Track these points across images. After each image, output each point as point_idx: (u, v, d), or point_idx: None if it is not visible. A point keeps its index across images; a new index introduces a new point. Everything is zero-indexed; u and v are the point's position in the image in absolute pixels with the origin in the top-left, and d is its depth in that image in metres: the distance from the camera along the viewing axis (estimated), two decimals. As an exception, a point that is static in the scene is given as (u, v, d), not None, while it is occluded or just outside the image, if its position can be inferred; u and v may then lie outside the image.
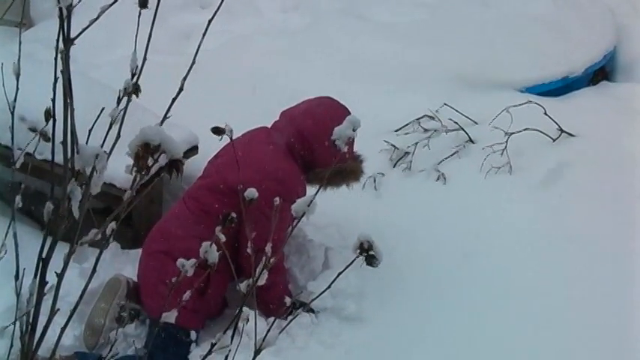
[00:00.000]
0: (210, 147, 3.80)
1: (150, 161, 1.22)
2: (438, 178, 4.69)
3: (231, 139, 1.63)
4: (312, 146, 3.77)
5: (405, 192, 4.70)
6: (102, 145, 1.44)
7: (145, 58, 1.53)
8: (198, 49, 1.62)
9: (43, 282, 1.52)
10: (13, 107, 1.84)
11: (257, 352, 1.58)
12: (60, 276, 1.50)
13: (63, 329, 1.63)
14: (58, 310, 1.55)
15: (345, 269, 1.62)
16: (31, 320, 1.57)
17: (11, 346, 1.73)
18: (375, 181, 4.73)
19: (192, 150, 4.40)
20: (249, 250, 1.62)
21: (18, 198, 1.79)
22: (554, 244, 4.05)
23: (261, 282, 1.56)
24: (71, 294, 2.76)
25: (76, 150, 1.39)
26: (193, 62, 1.59)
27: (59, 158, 1.47)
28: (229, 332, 1.63)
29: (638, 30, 6.86)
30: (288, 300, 3.42)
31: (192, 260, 1.51)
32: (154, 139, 1.20)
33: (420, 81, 5.82)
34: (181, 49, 6.47)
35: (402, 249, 4.01)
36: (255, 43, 6.65)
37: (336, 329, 3.63)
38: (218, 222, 1.58)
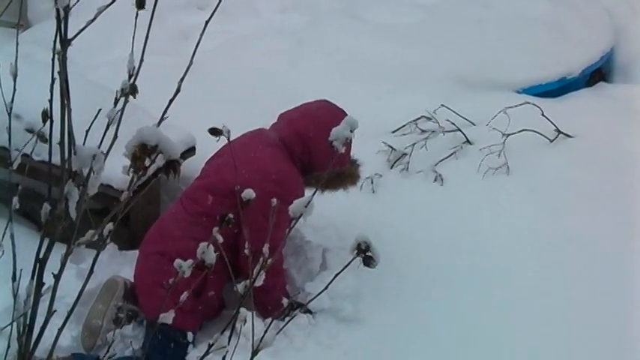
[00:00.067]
0: (208, 148, 3.79)
1: (147, 162, 1.22)
2: (435, 179, 4.69)
3: (228, 140, 1.63)
4: (311, 149, 3.78)
5: (403, 193, 4.70)
6: (99, 146, 1.44)
7: (142, 59, 1.53)
8: (195, 50, 1.62)
9: (40, 283, 1.52)
10: (10, 108, 1.84)
11: (254, 352, 1.58)
12: (57, 277, 1.50)
13: (60, 330, 1.63)
14: (55, 311, 1.55)
15: (342, 270, 1.62)
16: (28, 321, 1.57)
17: (8, 347, 1.73)
18: (372, 182, 4.73)
19: (190, 151, 4.39)
20: (246, 251, 1.62)
21: (15, 199, 1.79)
22: (552, 245, 4.06)
23: (259, 283, 1.56)
24: (68, 295, 2.76)
25: (73, 151, 1.39)
26: (191, 63, 1.59)
27: (57, 159, 1.47)
28: (227, 333, 1.63)
29: (635, 31, 6.87)
30: (285, 301, 3.42)
31: (190, 261, 1.51)
32: (151, 140, 1.20)
33: (418, 82, 5.82)
34: (179, 49, 6.46)
35: (400, 250, 4.01)
36: (254, 43, 6.65)
37: (334, 330, 3.63)
38: (215, 223, 1.58)
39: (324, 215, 3.97)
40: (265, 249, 1.57)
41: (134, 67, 1.51)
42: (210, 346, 1.65)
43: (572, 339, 3.49)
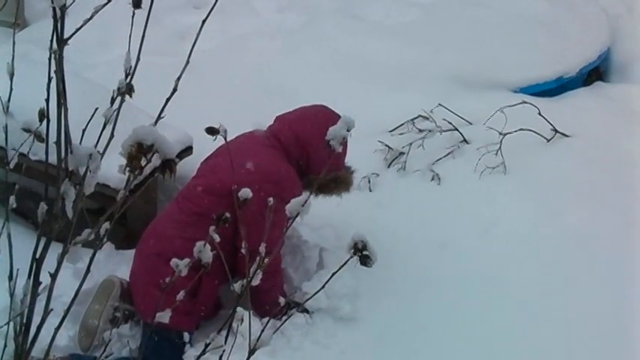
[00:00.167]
0: (205, 147, 3.79)
1: (143, 161, 1.22)
2: (432, 179, 4.69)
3: (225, 139, 1.62)
4: (309, 151, 3.77)
5: (400, 192, 4.70)
6: (96, 145, 1.44)
7: (138, 59, 1.53)
8: (192, 50, 1.62)
9: (36, 282, 1.52)
10: (7, 107, 1.84)
11: (251, 352, 1.58)
12: (53, 276, 1.50)
13: (57, 329, 1.63)
14: (52, 310, 1.55)
15: (339, 269, 1.62)
16: (24, 321, 1.57)
17: (5, 346, 1.73)
18: (369, 181, 4.73)
19: (187, 150, 4.39)
20: (243, 251, 1.62)
21: (12, 198, 1.79)
22: (549, 244, 4.06)
23: (255, 282, 1.56)
24: (65, 294, 2.75)
25: (69, 150, 1.39)
26: (187, 62, 1.60)
27: (53, 158, 1.47)
28: (224, 332, 1.63)
29: (632, 31, 6.87)
30: (282, 300, 3.42)
31: (186, 260, 1.51)
32: (147, 139, 1.20)
33: (415, 81, 5.82)
34: (176, 49, 6.46)
35: (397, 249, 4.01)
36: (251, 43, 6.65)
37: (331, 329, 3.63)
38: (212, 223, 1.58)
39: (321, 214, 3.98)
40: (262, 248, 1.57)
41: (131, 67, 1.51)
42: (207, 345, 1.65)
43: (571, 339, 3.49)
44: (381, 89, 5.79)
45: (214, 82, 5.80)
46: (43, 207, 1.56)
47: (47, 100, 1.57)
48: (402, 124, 5.30)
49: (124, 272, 3.81)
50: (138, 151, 1.20)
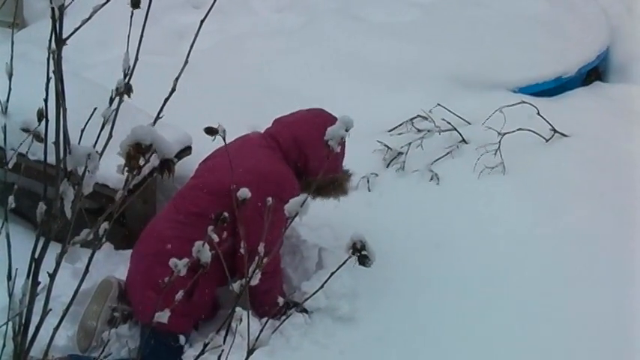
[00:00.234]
0: (204, 147, 3.78)
1: (141, 161, 1.22)
2: (431, 179, 4.70)
3: (224, 139, 1.62)
4: (307, 154, 3.77)
5: (399, 192, 4.70)
6: (94, 145, 1.44)
7: (137, 58, 1.53)
8: (190, 49, 1.62)
9: (35, 282, 1.52)
10: (6, 107, 1.84)
11: (250, 352, 1.58)
12: (52, 276, 1.50)
13: (56, 329, 1.63)
14: (51, 310, 1.55)
15: (337, 269, 1.62)
16: (23, 320, 1.57)
17: (4, 346, 1.73)
18: (368, 181, 4.73)
19: (186, 150, 4.39)
20: (242, 251, 1.62)
21: (11, 198, 1.79)
22: (548, 243, 4.06)
23: (255, 282, 1.56)
24: (64, 294, 2.76)
25: (68, 150, 1.39)
26: (186, 62, 1.60)
27: (52, 158, 1.47)
28: (222, 332, 1.63)
29: (631, 31, 6.88)
30: (281, 300, 3.41)
31: (185, 260, 1.51)
32: (145, 139, 1.20)
33: (414, 81, 5.83)
34: (175, 49, 6.47)
35: (396, 249, 4.01)
36: (250, 43, 6.65)
37: (330, 329, 3.63)
38: (210, 223, 1.58)
39: (320, 215, 3.98)
40: (261, 248, 1.57)
41: (129, 67, 1.51)
42: (205, 345, 1.65)
43: (571, 339, 3.50)
44: (380, 89, 5.79)
45: (213, 82, 5.80)
46: (41, 207, 1.56)
47: (46, 100, 1.57)
48: (401, 124, 5.30)
49: (123, 272, 3.81)
50: (136, 151, 1.20)
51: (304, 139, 3.78)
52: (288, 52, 6.36)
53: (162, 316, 1.60)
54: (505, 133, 4.67)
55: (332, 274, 1.67)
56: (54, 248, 1.48)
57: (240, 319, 1.62)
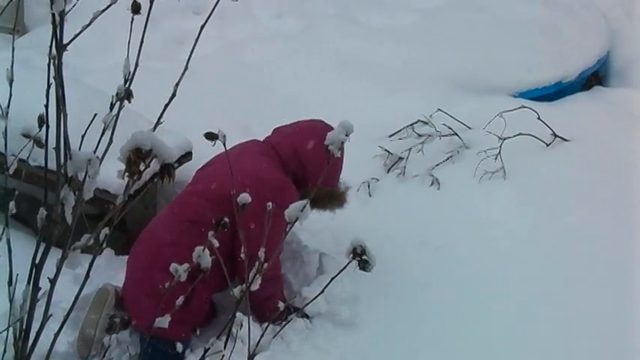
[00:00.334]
0: (205, 153, 3.79)
1: (141, 166, 1.22)
2: (432, 183, 4.70)
3: (224, 145, 1.62)
4: (306, 165, 3.77)
5: (399, 197, 4.70)
6: (95, 151, 1.44)
7: (137, 64, 1.53)
8: (191, 55, 1.62)
9: (36, 288, 1.52)
10: (6, 113, 1.84)
11: (251, 357, 1.58)
12: (52, 282, 1.50)
13: (56, 335, 1.62)
14: (51, 315, 1.55)
15: (337, 274, 1.62)
16: (24, 326, 1.57)
17: (4, 352, 1.73)
18: (369, 186, 4.74)
19: (187, 156, 4.39)
20: (242, 256, 1.62)
21: (12, 204, 1.79)
22: (549, 248, 4.06)
23: (255, 287, 1.56)
24: (65, 300, 2.75)
25: (69, 156, 1.39)
26: (186, 68, 1.60)
27: (53, 164, 1.47)
28: (223, 337, 1.63)
29: (631, 35, 6.88)
30: (281, 305, 3.41)
31: (185, 265, 1.51)
32: (146, 144, 1.20)
33: (415, 86, 5.83)
34: (175, 54, 6.47)
35: (396, 254, 4.01)
36: (250, 48, 6.65)
37: (331, 334, 3.63)
38: (209, 229, 1.58)
39: (321, 220, 3.98)
40: (261, 253, 1.57)
41: (130, 72, 1.51)
42: (206, 350, 1.65)
43: (572, 339, 3.50)
44: (381, 94, 5.80)
45: (213, 88, 5.80)
46: (42, 212, 1.56)
47: (47, 106, 1.58)
48: (401, 129, 5.30)
49: (123, 278, 3.80)
50: (137, 157, 1.20)
51: (304, 150, 3.77)
52: (288, 58, 6.36)
53: (163, 322, 1.60)
54: (505, 138, 4.67)
55: (332, 279, 1.68)
56: (54, 254, 1.48)
57: (241, 325, 1.62)
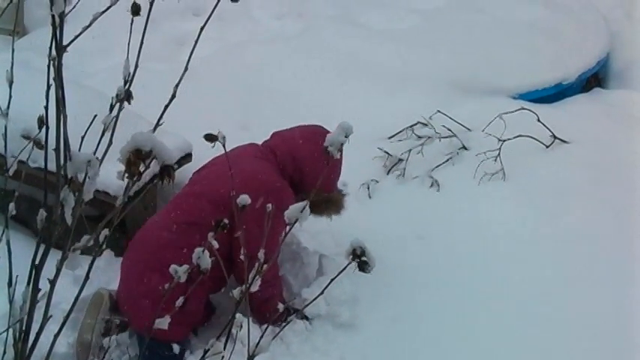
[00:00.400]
0: (205, 154, 3.77)
1: (141, 167, 1.22)
2: (431, 185, 4.70)
3: (224, 146, 1.63)
4: (303, 169, 3.77)
5: (399, 199, 4.70)
6: (95, 152, 1.45)
7: (137, 65, 1.53)
8: (190, 56, 1.62)
9: (35, 289, 1.52)
10: (6, 114, 1.84)
11: (250, 358, 1.58)
12: (52, 283, 1.50)
13: (56, 336, 1.62)
14: (51, 317, 1.55)
15: (337, 275, 1.62)
16: (24, 327, 1.57)
17: (4, 353, 1.73)
18: (368, 187, 4.74)
19: (186, 157, 4.39)
20: (242, 257, 1.62)
21: (11, 205, 1.79)
22: (549, 249, 4.07)
23: (254, 289, 1.56)
24: (64, 301, 2.76)
25: (68, 157, 1.39)
26: (186, 69, 1.60)
27: (52, 165, 1.47)
28: (223, 338, 1.63)
29: (630, 37, 6.88)
30: (281, 306, 3.40)
31: (185, 266, 1.51)
32: (145, 145, 1.21)
33: (414, 87, 5.83)
34: (175, 56, 6.47)
35: (396, 255, 4.01)
36: (250, 49, 6.65)
37: (331, 335, 3.63)
38: (205, 232, 1.58)
39: (321, 221, 3.98)
40: (260, 254, 1.57)
41: (129, 73, 1.51)
42: (206, 351, 1.65)
43: (572, 339, 3.50)
44: (381, 95, 5.80)
45: (213, 89, 5.80)
46: (42, 214, 1.56)
47: (46, 107, 1.58)
48: (401, 131, 5.31)
49: (120, 280, 3.80)
50: (136, 158, 1.20)
51: (301, 155, 3.77)
52: (288, 59, 6.36)
53: (162, 323, 1.60)
54: (505, 140, 4.67)
55: (332, 280, 1.68)
56: (54, 255, 1.48)
57: (241, 326, 1.62)
